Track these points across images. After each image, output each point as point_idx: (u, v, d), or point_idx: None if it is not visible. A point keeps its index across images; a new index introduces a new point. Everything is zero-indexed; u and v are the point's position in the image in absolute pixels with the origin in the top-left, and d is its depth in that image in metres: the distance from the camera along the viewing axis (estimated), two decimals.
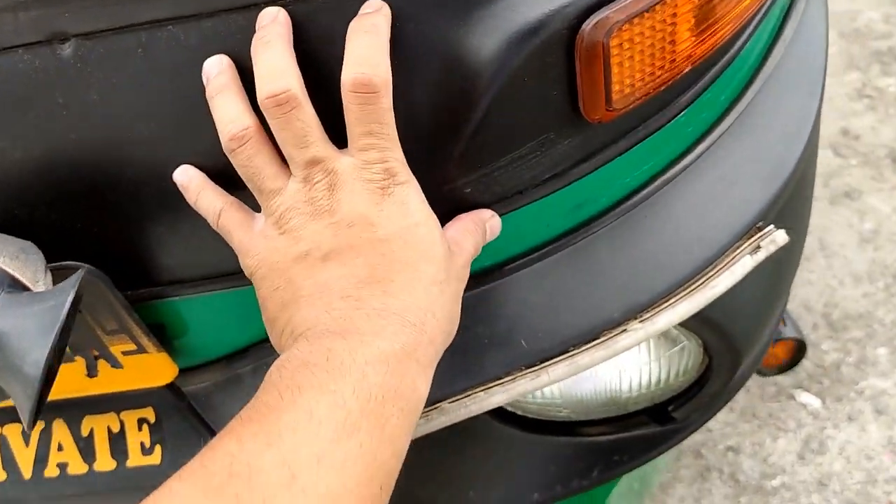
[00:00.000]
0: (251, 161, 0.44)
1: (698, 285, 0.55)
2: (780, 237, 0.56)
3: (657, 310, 0.55)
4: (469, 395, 0.55)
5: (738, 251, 0.55)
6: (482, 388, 0.55)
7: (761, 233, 0.56)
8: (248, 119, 0.44)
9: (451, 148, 0.50)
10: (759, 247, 0.55)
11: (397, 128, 0.47)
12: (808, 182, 0.64)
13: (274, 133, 0.44)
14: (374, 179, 0.44)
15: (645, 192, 0.57)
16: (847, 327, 1.79)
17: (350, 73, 0.43)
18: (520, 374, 0.55)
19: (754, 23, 0.58)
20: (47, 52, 0.48)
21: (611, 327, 0.55)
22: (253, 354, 0.58)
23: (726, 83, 0.58)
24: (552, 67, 0.48)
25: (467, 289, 0.56)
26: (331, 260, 0.43)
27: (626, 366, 0.67)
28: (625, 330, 0.55)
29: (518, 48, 0.47)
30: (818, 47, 0.63)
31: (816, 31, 0.64)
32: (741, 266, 0.55)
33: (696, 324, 0.62)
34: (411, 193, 0.45)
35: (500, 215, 0.54)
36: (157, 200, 0.51)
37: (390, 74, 0.44)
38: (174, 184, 0.49)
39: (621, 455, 0.73)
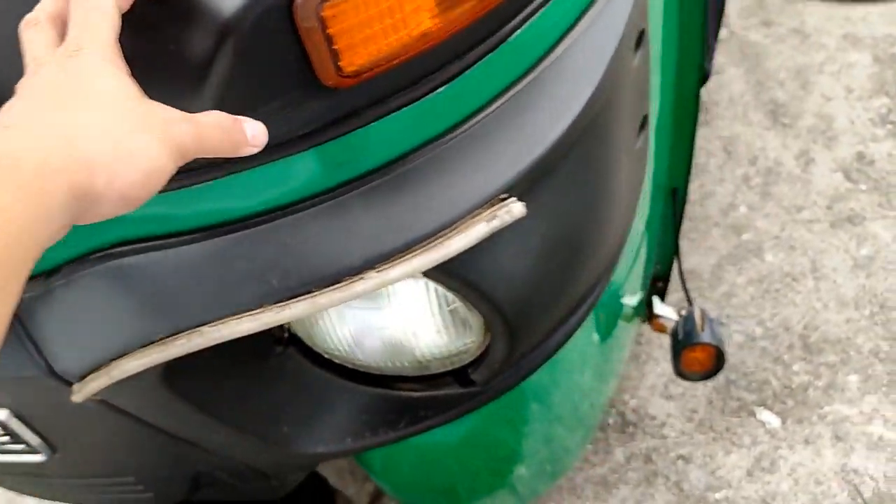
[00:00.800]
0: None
1: (434, 244, 0.60)
2: (516, 209, 0.61)
3: (393, 262, 0.61)
4: (224, 322, 0.62)
5: (476, 218, 0.61)
6: (234, 317, 0.62)
7: (501, 203, 0.61)
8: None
9: (205, 98, 0.57)
10: (495, 216, 0.60)
11: (159, 76, 0.56)
12: (584, 169, 0.68)
13: None
14: (65, 53, 0.51)
15: (404, 159, 0.63)
16: (822, 351, 1.76)
17: None
18: (267, 307, 0.62)
19: (526, 12, 0.63)
20: None
21: (351, 274, 0.61)
22: (65, 271, 0.67)
23: (497, 66, 0.63)
24: (281, 34, 0.55)
25: (228, 233, 0.63)
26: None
27: (409, 325, 0.72)
28: (362, 278, 0.61)
29: (247, 15, 0.54)
30: (609, 43, 0.67)
31: (612, 29, 0.68)
32: (476, 231, 0.60)
33: (461, 288, 0.67)
34: (95, 59, 0.51)
35: (261, 165, 0.61)
36: None
37: None
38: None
39: (427, 411, 0.79)
